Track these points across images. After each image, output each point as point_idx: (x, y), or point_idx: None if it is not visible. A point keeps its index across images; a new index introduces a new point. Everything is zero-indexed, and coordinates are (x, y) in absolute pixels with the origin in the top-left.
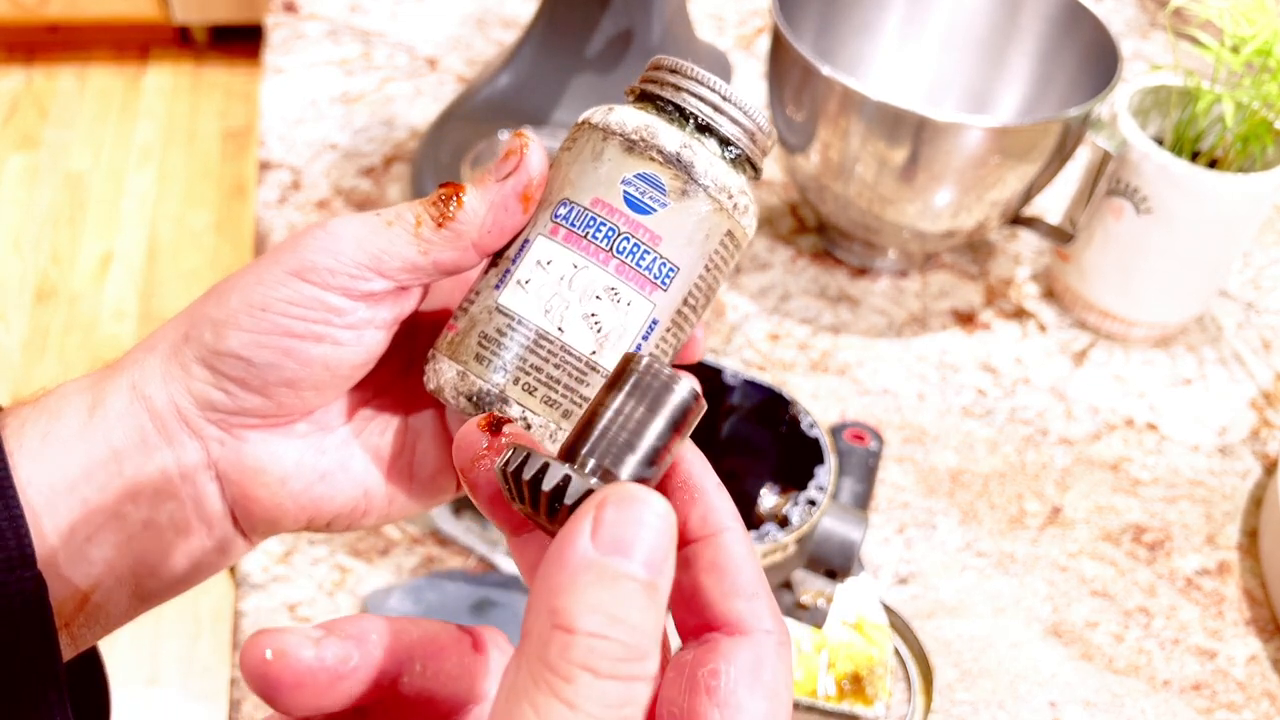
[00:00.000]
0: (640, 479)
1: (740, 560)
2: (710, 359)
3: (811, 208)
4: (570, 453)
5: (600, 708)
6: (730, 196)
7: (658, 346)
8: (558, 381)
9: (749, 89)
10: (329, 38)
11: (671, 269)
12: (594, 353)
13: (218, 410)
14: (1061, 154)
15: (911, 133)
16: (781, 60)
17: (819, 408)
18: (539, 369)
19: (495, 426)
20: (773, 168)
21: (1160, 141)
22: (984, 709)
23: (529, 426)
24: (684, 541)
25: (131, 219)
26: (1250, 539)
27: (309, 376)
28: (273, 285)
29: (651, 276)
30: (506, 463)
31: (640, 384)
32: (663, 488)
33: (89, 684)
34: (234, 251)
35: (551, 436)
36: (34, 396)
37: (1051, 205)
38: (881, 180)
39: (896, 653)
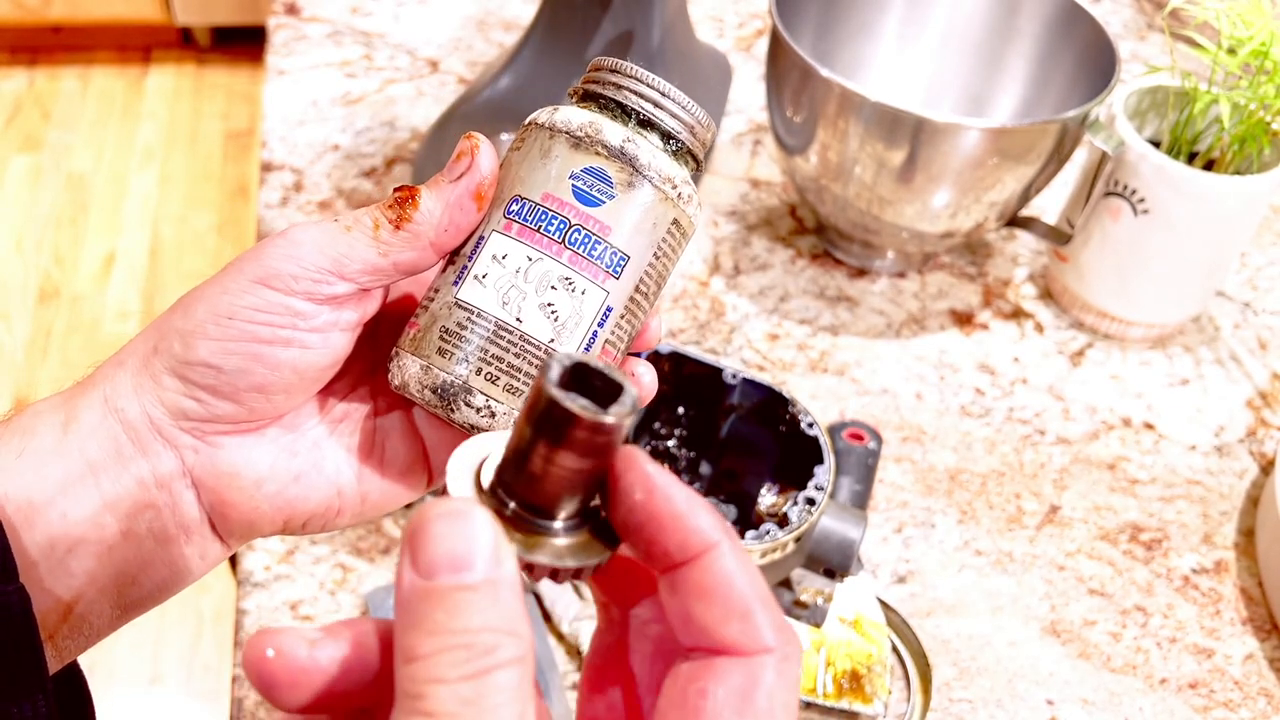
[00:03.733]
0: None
1: (729, 578)
2: (710, 359)
3: (810, 208)
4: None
5: (456, 705)
6: (674, 186)
7: (613, 333)
8: (519, 370)
9: (748, 90)
10: (331, 39)
11: (623, 258)
12: (552, 340)
13: (190, 419)
14: (1059, 155)
15: (910, 134)
16: (780, 62)
17: (818, 407)
18: (500, 359)
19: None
20: (772, 169)
21: (1157, 143)
22: (982, 707)
23: (493, 414)
24: (667, 567)
25: (134, 220)
26: (1247, 538)
27: (278, 380)
28: (238, 294)
29: (604, 265)
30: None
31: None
32: (631, 521)
33: (73, 696)
34: (236, 252)
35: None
36: (5, 416)
37: (1049, 206)
38: (880, 181)
39: (895, 651)
